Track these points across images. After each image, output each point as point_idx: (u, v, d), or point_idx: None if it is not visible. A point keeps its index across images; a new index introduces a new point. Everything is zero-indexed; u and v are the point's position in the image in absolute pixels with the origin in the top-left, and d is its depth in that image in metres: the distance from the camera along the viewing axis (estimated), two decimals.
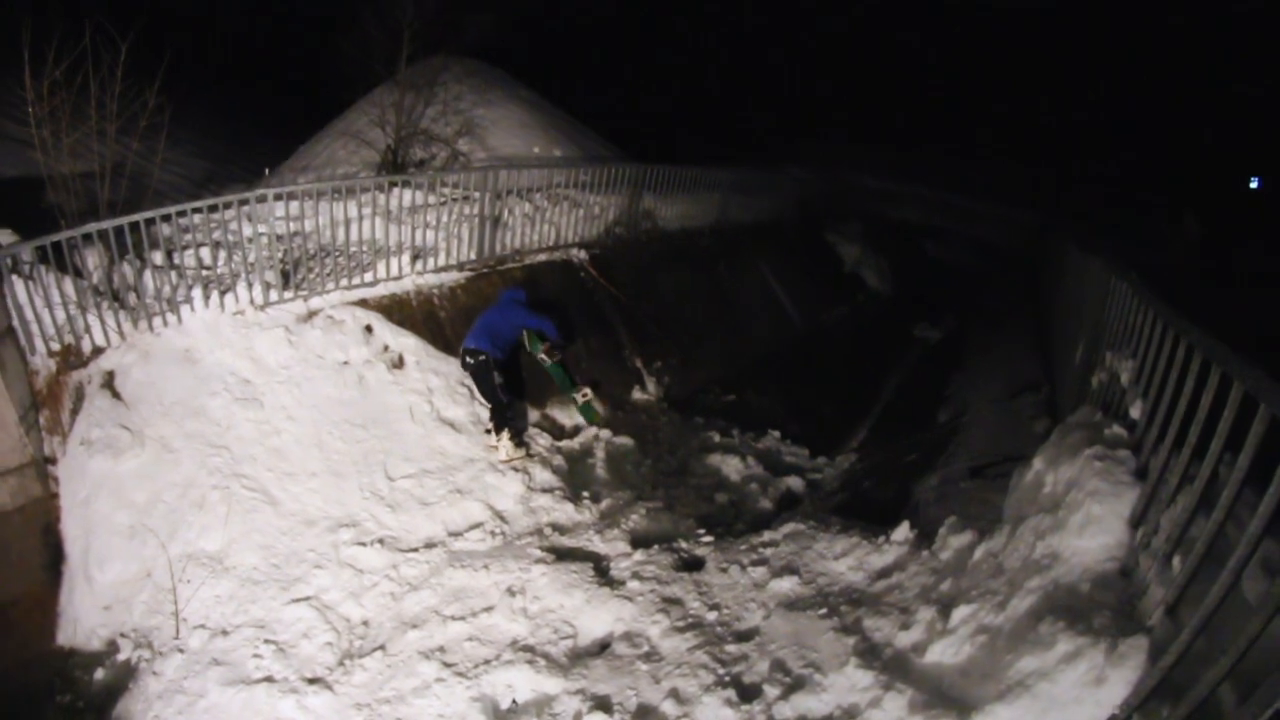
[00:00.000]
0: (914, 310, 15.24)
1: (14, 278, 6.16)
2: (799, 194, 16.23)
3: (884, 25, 23.59)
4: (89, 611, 5.94)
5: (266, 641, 5.53)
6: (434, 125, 11.13)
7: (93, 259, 6.81)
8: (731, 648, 4.60)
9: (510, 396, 7.30)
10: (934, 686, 3.47)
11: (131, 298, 6.85)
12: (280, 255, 7.58)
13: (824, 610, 4.59)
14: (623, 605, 5.29)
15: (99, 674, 5.64)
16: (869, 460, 8.50)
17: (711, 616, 5.03)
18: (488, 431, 7.31)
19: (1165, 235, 13.05)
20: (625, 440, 8.15)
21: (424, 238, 8.49)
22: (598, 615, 5.30)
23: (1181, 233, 12.49)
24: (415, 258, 8.30)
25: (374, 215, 8.20)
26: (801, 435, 9.12)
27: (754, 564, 5.48)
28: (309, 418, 6.84)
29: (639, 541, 6.28)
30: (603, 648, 5.06)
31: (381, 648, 5.42)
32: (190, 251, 7.59)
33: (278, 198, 7.55)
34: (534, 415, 8.23)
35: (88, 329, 6.54)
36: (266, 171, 10.30)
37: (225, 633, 5.63)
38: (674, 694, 4.29)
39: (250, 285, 7.19)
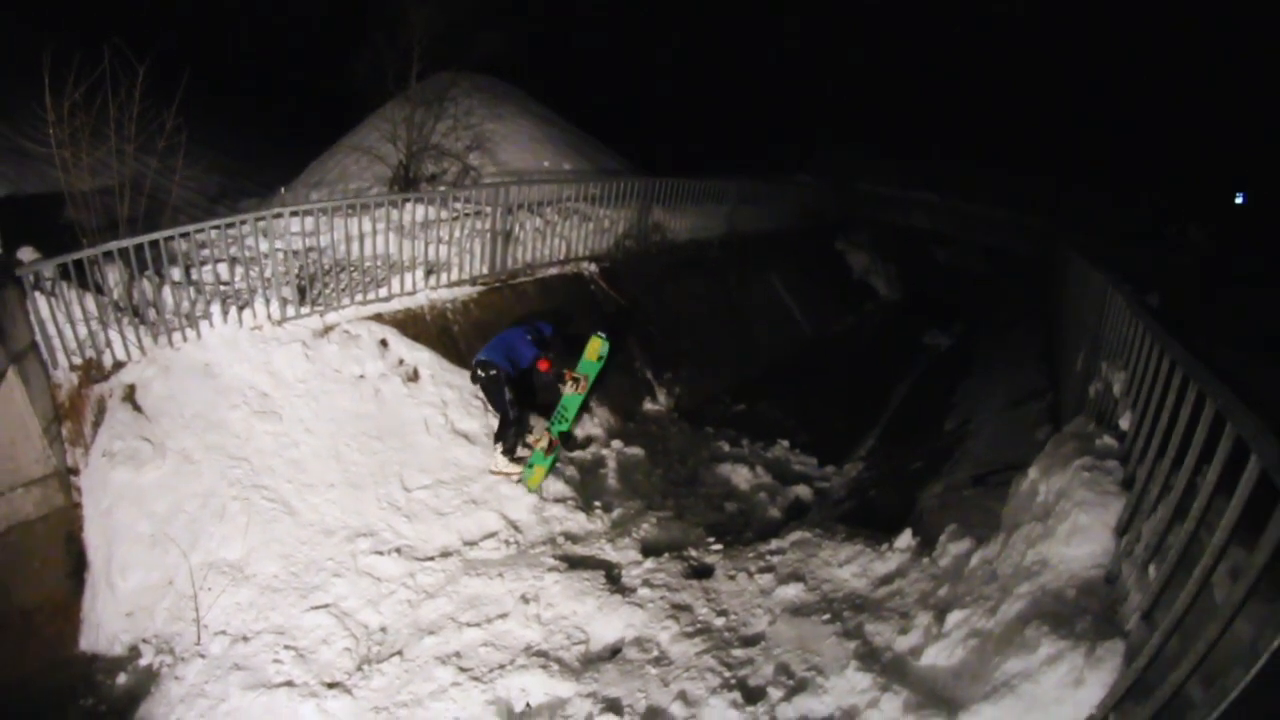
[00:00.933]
0: (923, 317, 15.33)
1: (37, 294, 6.35)
2: (808, 203, 16.38)
3: (892, 33, 23.72)
4: (111, 618, 6.11)
5: (286, 647, 5.69)
6: (445, 140, 11.33)
7: (113, 275, 7.02)
8: (738, 652, 4.78)
9: (520, 411, 7.43)
10: (929, 688, 3.65)
11: (151, 313, 7.06)
12: (296, 271, 7.80)
13: (828, 615, 4.76)
14: (633, 612, 5.46)
15: (121, 678, 5.80)
16: (876, 469, 8.63)
17: (719, 622, 5.20)
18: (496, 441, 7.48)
19: (1172, 242, 13.25)
20: (636, 450, 8.34)
21: (437, 253, 8.68)
22: (609, 621, 5.46)
23: (1186, 241, 12.68)
24: (429, 273, 8.51)
25: (387, 231, 8.40)
26: (810, 444, 9.28)
27: (761, 571, 5.66)
28: (327, 430, 7.04)
29: (649, 550, 6.44)
30: (614, 652, 5.23)
31: (399, 653, 5.58)
32: (208, 268, 7.80)
33: (293, 214, 7.75)
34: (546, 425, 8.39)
35: (109, 344, 6.76)
36: (282, 190, 10.52)
37: (246, 639, 5.80)
38: (682, 696, 4.47)
39: (267, 301, 7.40)
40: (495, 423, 7.70)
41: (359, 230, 8.16)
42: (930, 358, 13.60)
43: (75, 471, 6.47)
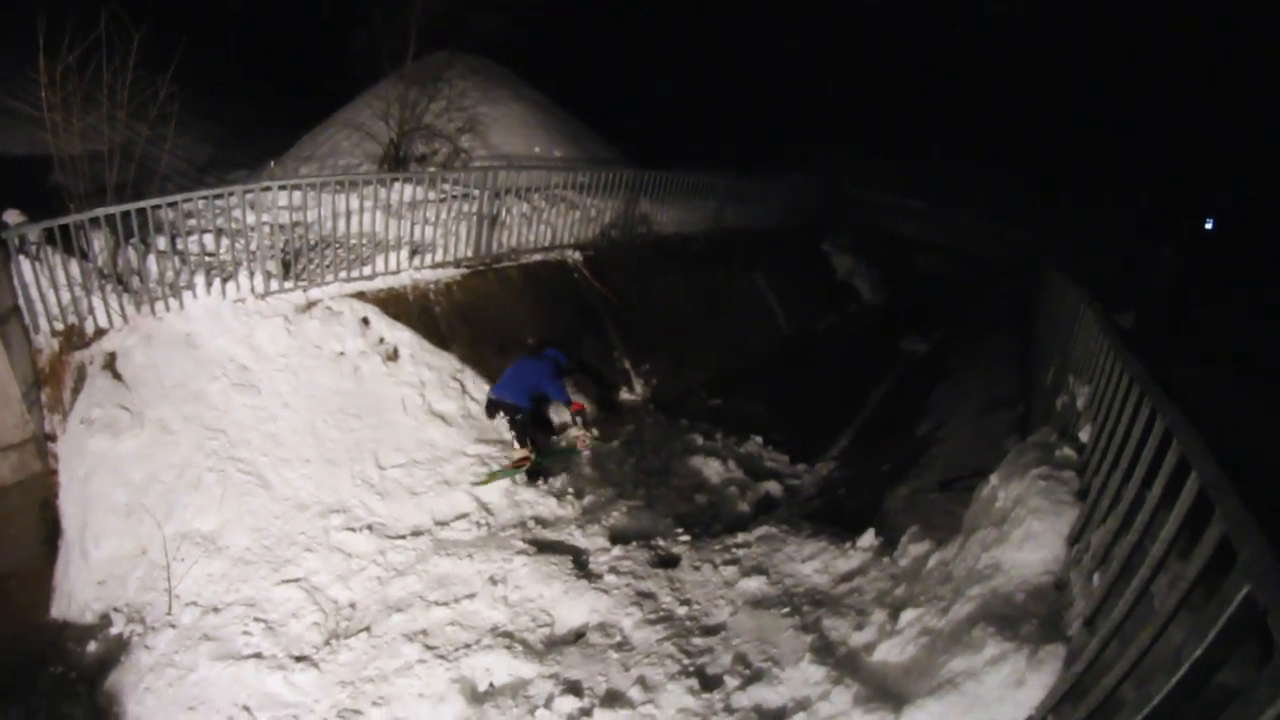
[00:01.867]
0: (903, 322, 15.45)
1: (21, 258, 6.36)
2: (796, 202, 16.45)
3: (886, 37, 23.84)
4: (84, 586, 6.17)
5: (256, 620, 5.78)
6: (437, 121, 11.36)
7: (99, 242, 7.02)
8: (698, 640, 4.89)
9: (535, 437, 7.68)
10: (879, 683, 3.75)
11: (135, 281, 7.07)
12: (281, 245, 7.83)
13: (788, 609, 4.87)
14: (599, 597, 5.55)
15: (92, 646, 5.86)
16: (847, 469, 8.73)
17: (682, 611, 5.30)
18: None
19: (1151, 260, 13.48)
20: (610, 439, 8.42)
21: (423, 233, 8.74)
22: (575, 606, 5.55)
23: (1162, 262, 12.93)
24: (413, 253, 8.56)
25: (375, 209, 8.42)
26: (784, 441, 9.36)
27: (726, 563, 5.76)
28: (305, 405, 7.09)
29: (618, 538, 6.52)
30: (578, 636, 5.33)
31: (367, 629, 5.67)
32: (194, 238, 7.80)
33: (282, 188, 7.78)
34: None
35: (91, 311, 6.78)
36: (272, 163, 10.50)
37: (216, 610, 5.88)
38: (641, 681, 4.57)
39: (252, 274, 7.43)
40: (473, 407, 7.84)
41: (346, 207, 8.17)
42: (908, 362, 13.72)
43: (53, 438, 6.51)
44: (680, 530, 6.72)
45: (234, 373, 7.08)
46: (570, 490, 7.41)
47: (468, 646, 5.36)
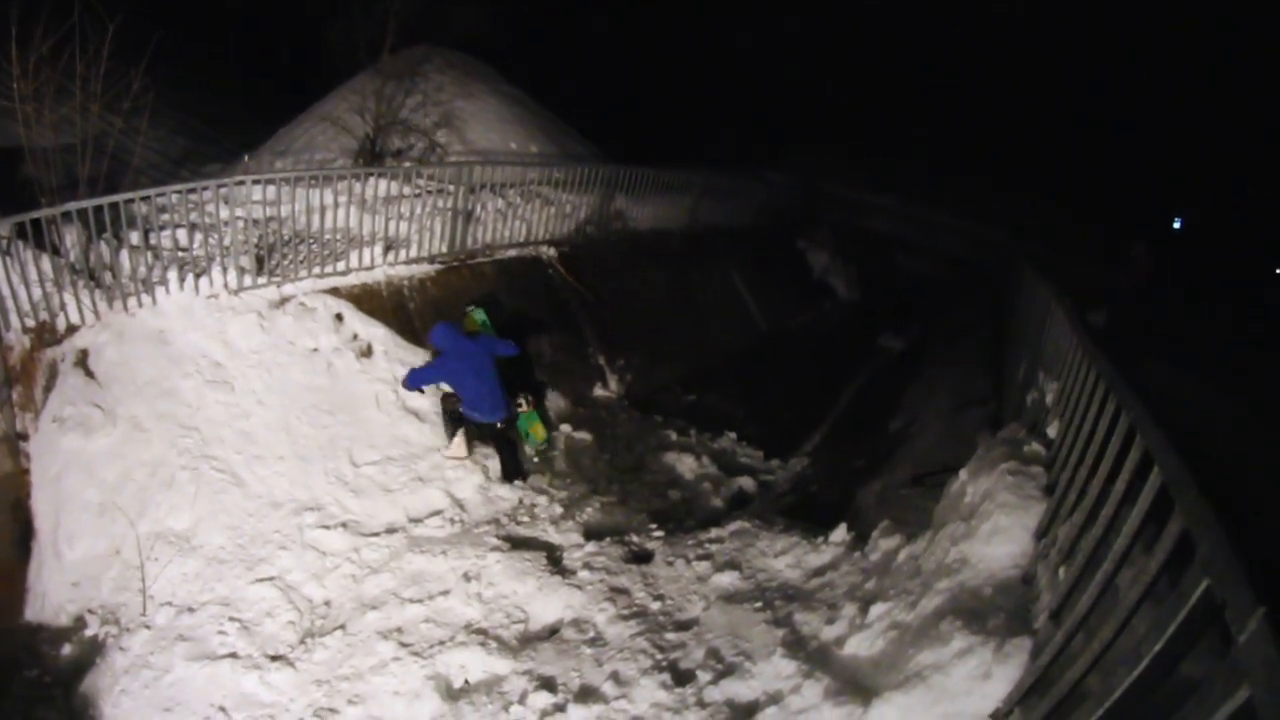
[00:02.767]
0: (880, 319, 15.52)
1: None
2: (772, 199, 16.50)
3: (860, 36, 23.97)
4: (58, 587, 6.07)
5: (231, 619, 5.74)
6: (413, 115, 11.30)
7: (70, 236, 6.92)
8: (671, 636, 4.92)
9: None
10: (849, 676, 3.80)
11: (107, 277, 6.95)
12: (255, 240, 7.73)
13: (760, 604, 4.92)
14: (573, 593, 5.57)
15: (66, 649, 5.78)
16: (820, 465, 8.81)
17: (655, 606, 5.34)
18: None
19: (1122, 261, 13.66)
20: (584, 435, 8.43)
21: (397, 229, 8.68)
22: (548, 602, 5.56)
23: (1133, 261, 13.12)
24: (388, 249, 8.50)
25: (349, 204, 8.36)
26: (758, 437, 9.41)
27: (699, 559, 5.80)
28: (278, 402, 7.02)
29: (592, 533, 6.55)
30: (552, 632, 5.35)
31: (342, 627, 5.65)
32: (167, 232, 7.71)
33: (256, 183, 7.71)
34: None
35: (63, 307, 6.66)
36: (246, 157, 10.40)
37: (191, 610, 5.83)
38: (614, 676, 4.60)
39: (225, 269, 7.33)
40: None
41: (321, 202, 8.05)
42: (883, 359, 13.82)
43: (24, 437, 6.40)
44: (654, 526, 6.75)
45: (207, 369, 6.99)
46: (544, 486, 7.41)
47: (442, 643, 5.35)
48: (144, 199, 6.99)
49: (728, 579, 5.38)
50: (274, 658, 5.48)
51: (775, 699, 3.93)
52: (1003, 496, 3.88)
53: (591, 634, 5.18)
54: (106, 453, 6.41)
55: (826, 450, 9.43)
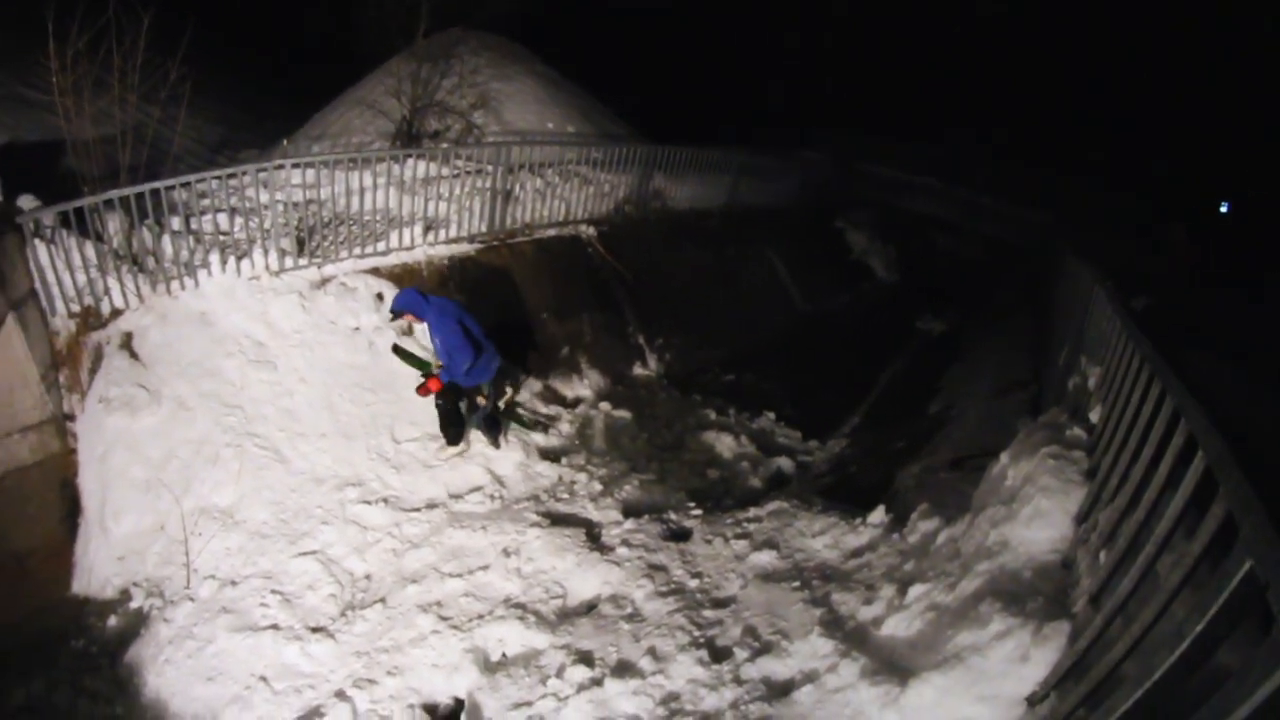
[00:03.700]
0: (919, 301, 15.37)
1: (36, 241, 6.43)
2: (810, 178, 16.39)
3: (905, 13, 23.58)
4: (104, 562, 6.26)
5: (273, 592, 5.86)
6: (449, 97, 11.35)
7: (113, 223, 7.07)
8: (709, 613, 4.98)
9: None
10: (886, 656, 3.84)
11: (150, 262, 7.13)
12: (296, 223, 7.88)
13: (797, 583, 4.97)
14: (611, 569, 5.66)
15: (112, 621, 5.95)
16: (858, 446, 8.80)
17: (693, 584, 5.40)
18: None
19: (1162, 243, 13.41)
20: (624, 413, 8.49)
21: (436, 209, 8.78)
22: (587, 578, 5.66)
23: (1172, 245, 12.86)
24: (427, 229, 8.60)
25: (388, 186, 8.47)
26: (796, 418, 9.41)
27: (737, 537, 5.86)
28: (320, 380, 7.16)
29: (630, 511, 6.62)
30: (589, 608, 5.43)
31: (382, 600, 5.77)
32: (208, 217, 7.86)
33: (295, 166, 7.83)
34: (536, 386, 8.59)
35: (107, 291, 6.84)
36: (285, 141, 10.52)
37: (234, 583, 5.96)
38: (652, 652, 4.67)
39: (266, 251, 7.47)
40: None
41: (360, 184, 8.20)
42: (922, 342, 13.72)
43: (71, 418, 6.59)
44: (692, 504, 6.82)
45: (250, 349, 7.14)
46: (584, 463, 7.49)
47: (481, 617, 5.45)
48: (184, 185, 7.17)
49: (765, 558, 5.43)
50: (315, 629, 5.60)
51: (811, 678, 3.98)
52: (1044, 480, 3.90)
53: (629, 610, 5.25)
54: (152, 431, 6.57)
55: (865, 432, 9.41)
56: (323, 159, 8.08)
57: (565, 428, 8.10)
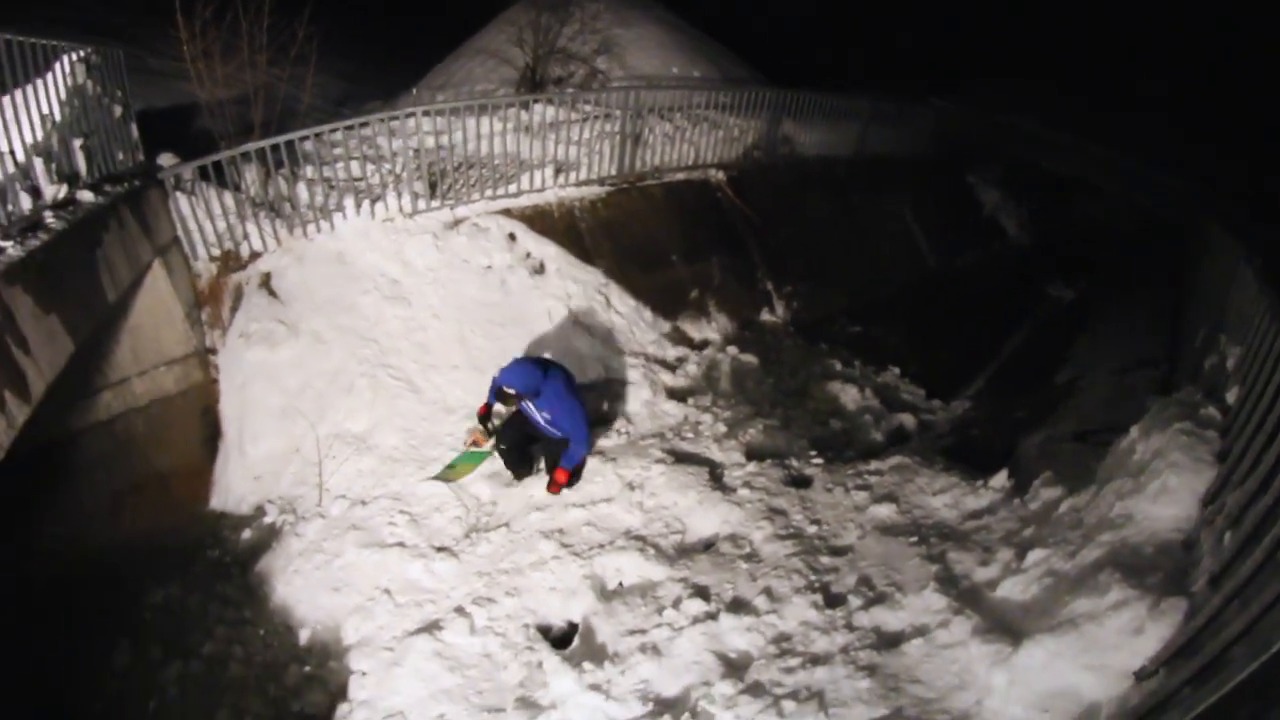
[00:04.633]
0: (1050, 266, 14.88)
1: (178, 194, 7.07)
2: (943, 130, 15.99)
3: None
4: (240, 481, 6.89)
5: (401, 512, 6.29)
6: (571, 44, 11.60)
7: (249, 174, 7.69)
8: (825, 560, 5.16)
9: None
10: (999, 618, 3.96)
11: (286, 208, 7.71)
12: (427, 167, 8.27)
13: (915, 539, 5.09)
14: (731, 509, 5.87)
15: (246, 534, 6.55)
16: (981, 409, 8.78)
17: (811, 530, 5.58)
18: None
19: None
20: (750, 358, 8.69)
21: (566, 152, 9.05)
22: (707, 516, 5.88)
23: None
24: (557, 171, 8.90)
25: (516, 130, 8.77)
26: (920, 375, 9.44)
27: (857, 488, 6.00)
28: (453, 316, 7.57)
29: (753, 454, 6.78)
30: (707, 546, 5.67)
31: (506, 525, 6.10)
32: (340, 165, 8.37)
33: (425, 114, 8.17)
34: (665, 326, 8.83)
35: (246, 236, 7.48)
36: (413, 90, 10.93)
37: (364, 503, 6.43)
38: (767, 591, 4.88)
39: (399, 195, 7.92)
40: (615, 319, 8.22)
41: (490, 129, 8.56)
42: (1051, 309, 13.39)
43: (213, 351, 7.26)
44: (814, 452, 6.93)
45: (385, 286, 7.60)
46: (709, 405, 7.67)
47: (601, 547, 5.75)
48: (316, 136, 7.66)
49: (885, 511, 5.56)
50: (439, 549, 5.97)
51: (922, 631, 4.12)
52: (1174, 456, 3.92)
53: (747, 550, 5.45)
54: (289, 363, 7.13)
55: (988, 396, 9.34)
56: (452, 105, 8.42)
57: (692, 369, 8.32)
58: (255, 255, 7.58)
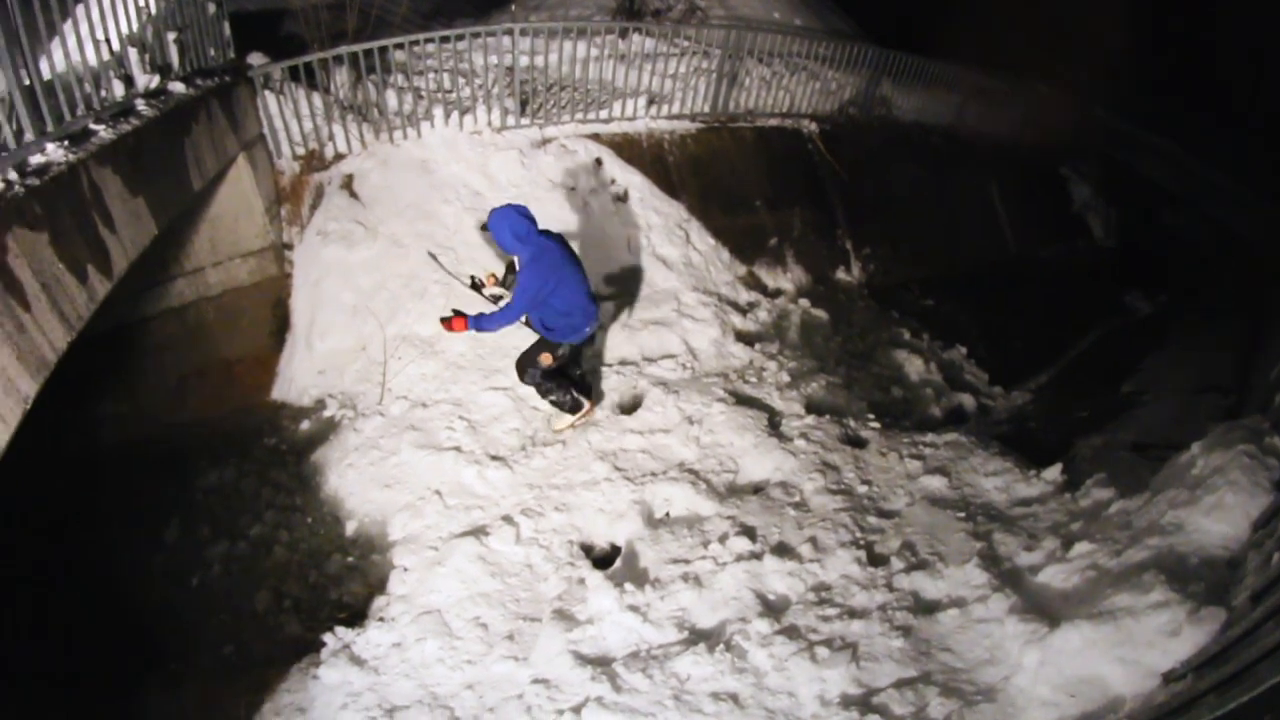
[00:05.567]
0: (1131, 275, 14.66)
1: (266, 93, 7.36)
2: (1041, 116, 15.69)
3: None
4: (304, 373, 7.25)
5: (461, 418, 6.55)
6: None
7: (339, 77, 7.93)
8: (872, 520, 5.34)
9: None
10: (1037, 601, 4.15)
11: (374, 113, 7.94)
12: (520, 85, 8.40)
13: (963, 514, 5.24)
14: (786, 457, 6.03)
15: (304, 425, 6.92)
16: (1042, 404, 8.85)
17: (862, 490, 5.75)
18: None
19: None
20: (821, 314, 8.83)
21: (661, 85, 9.15)
22: (761, 460, 6.06)
23: None
24: (650, 102, 9.03)
25: (613, 57, 8.90)
26: (986, 359, 9.51)
27: (911, 457, 6.14)
28: None
29: (813, 408, 6.92)
30: (757, 489, 5.84)
31: (562, 442, 6.35)
32: (431, 76, 8.55)
33: (523, 33, 8.31)
34: (741, 270, 8.98)
35: (331, 137, 7.77)
36: (512, 6, 11.00)
37: (425, 405, 6.71)
38: (812, 541, 5.08)
39: (489, 109, 8.11)
40: (693, 255, 8.34)
41: (586, 54, 8.71)
42: (1126, 318, 13.26)
43: (289, 247, 7.63)
44: (872, 416, 7.06)
45: (467, 197, 7.81)
46: (776, 353, 7.81)
47: (653, 475, 5.95)
48: (412, 44, 7.91)
49: (936, 483, 5.69)
50: (494, 457, 6.23)
51: (959, 603, 4.31)
52: (1234, 475, 4.02)
53: (797, 498, 5.65)
54: (364, 263, 7.43)
55: (1051, 392, 9.37)
56: (550, 26, 8.63)
57: (763, 316, 8.44)
58: (339, 157, 7.89)
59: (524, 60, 8.52)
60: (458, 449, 6.32)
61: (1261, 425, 4.71)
